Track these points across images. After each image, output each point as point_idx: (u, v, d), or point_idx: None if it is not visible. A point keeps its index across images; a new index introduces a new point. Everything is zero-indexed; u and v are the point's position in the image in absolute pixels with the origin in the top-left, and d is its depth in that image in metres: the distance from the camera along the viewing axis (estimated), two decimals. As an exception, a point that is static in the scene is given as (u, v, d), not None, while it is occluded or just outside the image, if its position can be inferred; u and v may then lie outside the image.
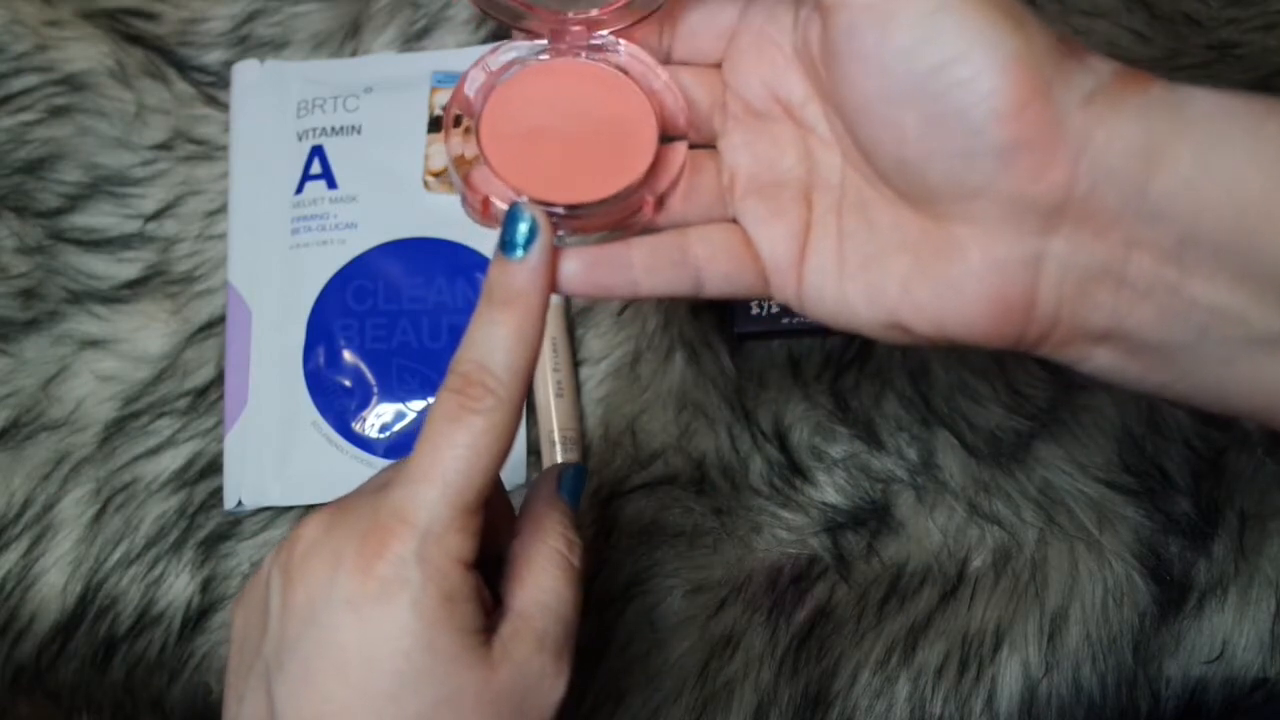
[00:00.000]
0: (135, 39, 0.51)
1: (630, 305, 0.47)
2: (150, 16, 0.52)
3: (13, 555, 0.45)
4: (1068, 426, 0.45)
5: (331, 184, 0.48)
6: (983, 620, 0.44)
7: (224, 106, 0.50)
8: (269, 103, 0.50)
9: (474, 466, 0.27)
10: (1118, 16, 0.49)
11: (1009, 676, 0.43)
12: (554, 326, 0.47)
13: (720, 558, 0.45)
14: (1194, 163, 0.24)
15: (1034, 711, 0.43)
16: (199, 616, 0.45)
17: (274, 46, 0.51)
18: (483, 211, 0.30)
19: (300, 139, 0.49)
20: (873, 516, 0.45)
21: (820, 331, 0.47)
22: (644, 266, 0.30)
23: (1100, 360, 0.27)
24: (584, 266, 0.30)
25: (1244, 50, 0.49)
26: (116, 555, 0.45)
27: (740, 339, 0.47)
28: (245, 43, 0.51)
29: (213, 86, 0.51)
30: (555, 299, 0.47)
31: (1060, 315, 0.26)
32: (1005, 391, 0.46)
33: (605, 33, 0.32)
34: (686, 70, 0.32)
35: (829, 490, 0.45)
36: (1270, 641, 0.43)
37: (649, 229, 0.31)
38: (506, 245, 0.28)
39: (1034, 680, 0.43)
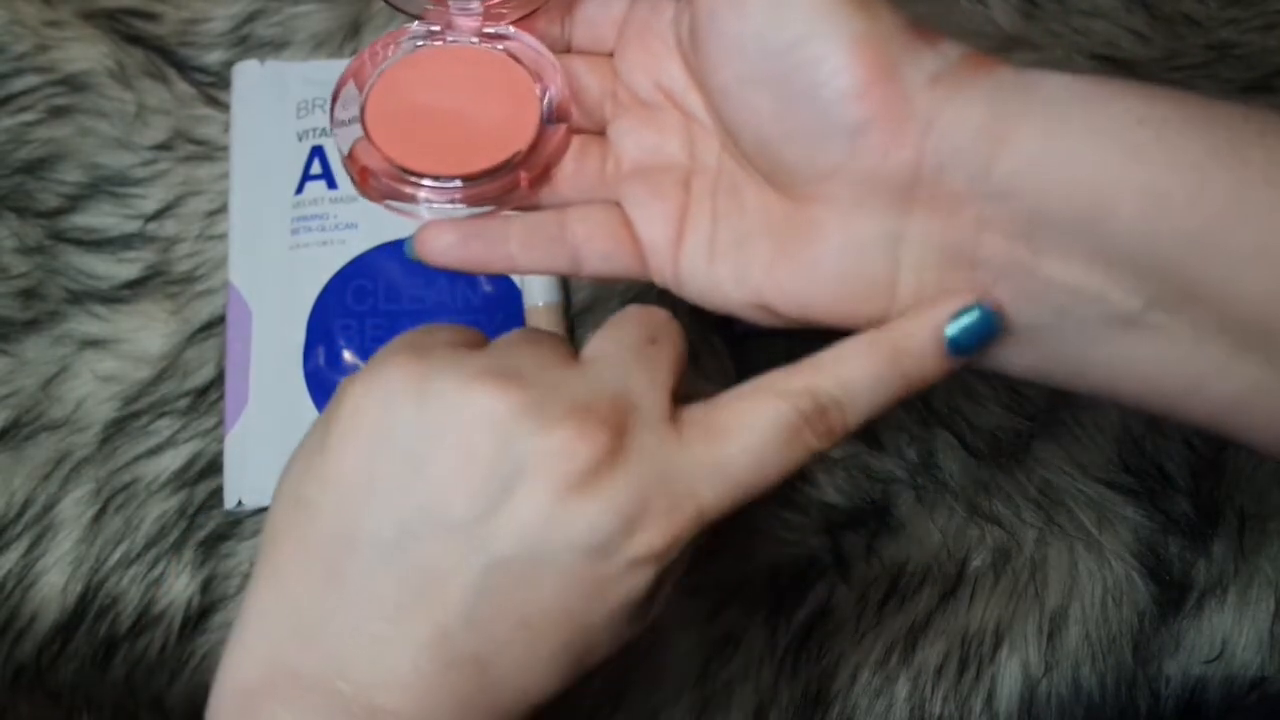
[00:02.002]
0: (135, 39, 0.51)
1: (630, 305, 0.47)
2: (150, 17, 0.52)
3: (13, 555, 0.45)
4: (1068, 426, 0.45)
5: (332, 184, 0.48)
6: (982, 620, 0.44)
7: (224, 107, 0.50)
8: (269, 103, 0.50)
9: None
10: (1118, 16, 0.49)
11: (1009, 676, 0.43)
12: (553, 327, 0.47)
13: (720, 558, 0.45)
14: (1038, 142, 0.24)
15: (1034, 711, 0.43)
16: (199, 616, 0.45)
17: (274, 47, 0.51)
18: (361, 181, 0.31)
19: (300, 139, 0.49)
20: (873, 516, 0.45)
21: (821, 332, 0.46)
22: (521, 242, 0.31)
23: None
24: (460, 239, 0.30)
25: (1244, 50, 0.49)
26: (117, 555, 0.45)
27: (740, 339, 0.47)
28: (245, 43, 0.51)
29: (213, 87, 0.51)
30: (556, 299, 0.46)
31: (922, 298, 0.27)
32: (1005, 391, 0.46)
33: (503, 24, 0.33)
34: (581, 59, 0.33)
35: (829, 490, 0.45)
36: (1270, 641, 0.43)
37: (527, 205, 0.32)
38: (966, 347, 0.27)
39: (1034, 680, 0.43)
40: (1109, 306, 0.25)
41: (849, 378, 0.27)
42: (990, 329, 0.26)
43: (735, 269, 0.29)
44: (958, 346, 0.26)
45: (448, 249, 0.31)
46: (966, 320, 0.26)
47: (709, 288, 0.30)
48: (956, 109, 0.25)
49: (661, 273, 0.31)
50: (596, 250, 0.31)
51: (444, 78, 0.33)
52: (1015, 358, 0.27)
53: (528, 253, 0.31)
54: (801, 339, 0.47)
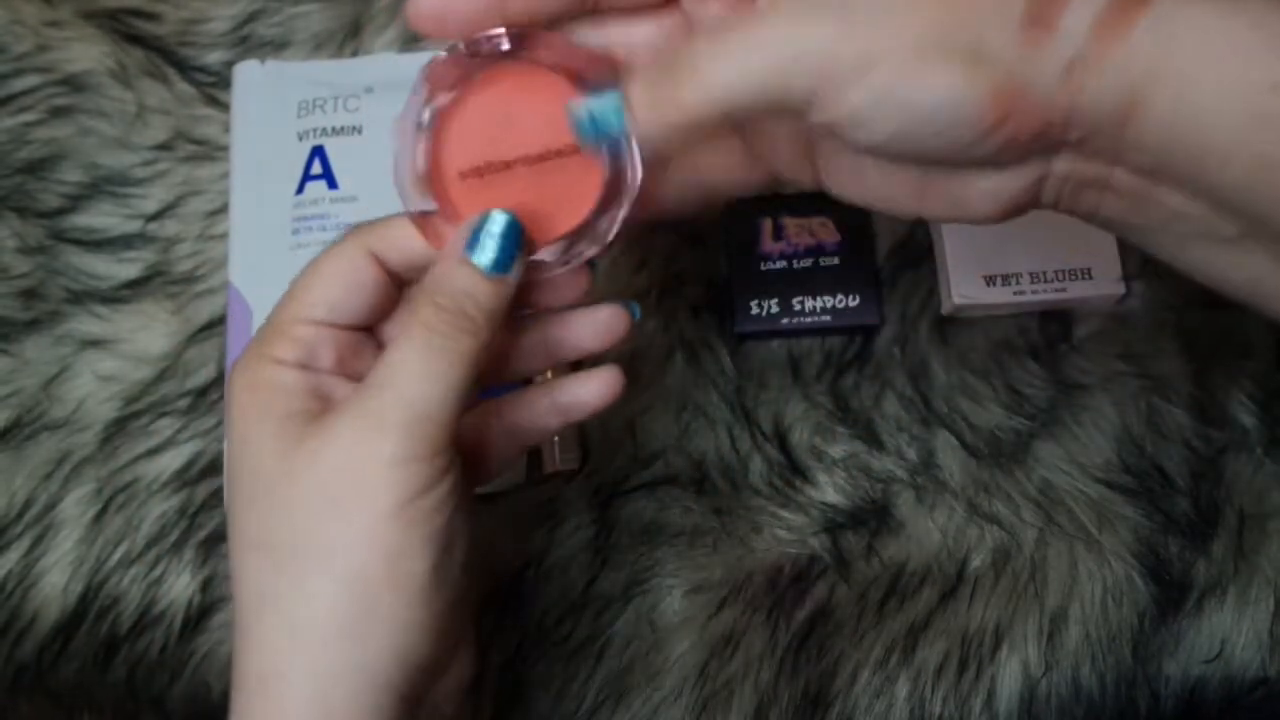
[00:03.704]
0: (136, 39, 0.51)
1: (630, 305, 0.48)
2: (151, 17, 0.52)
3: (14, 555, 0.46)
4: (1067, 426, 0.45)
5: (332, 184, 0.48)
6: (982, 620, 0.44)
7: (225, 107, 0.50)
8: (270, 103, 0.50)
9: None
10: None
11: (1008, 676, 0.43)
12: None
13: (720, 558, 0.45)
14: (1167, 111, 0.25)
15: (1033, 711, 0.43)
16: (200, 616, 0.45)
17: (275, 47, 0.51)
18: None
19: (301, 139, 0.49)
20: (873, 516, 0.45)
21: (820, 331, 0.47)
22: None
23: (1086, 220, 0.30)
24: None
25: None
26: (117, 555, 0.45)
27: (740, 339, 0.47)
28: (246, 43, 0.51)
29: (213, 87, 0.51)
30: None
31: (1056, 204, 0.29)
32: (1005, 391, 0.46)
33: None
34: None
35: (829, 490, 0.45)
36: (1269, 641, 0.43)
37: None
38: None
39: (1033, 679, 0.43)
40: (1208, 228, 0.27)
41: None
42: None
43: (882, 186, 0.30)
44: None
45: None
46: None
47: (859, 195, 0.31)
48: (1092, 94, 0.25)
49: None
50: (734, 182, 0.33)
51: (504, 126, 0.31)
52: (1128, 237, 0.29)
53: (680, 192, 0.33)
54: (798, 341, 0.47)
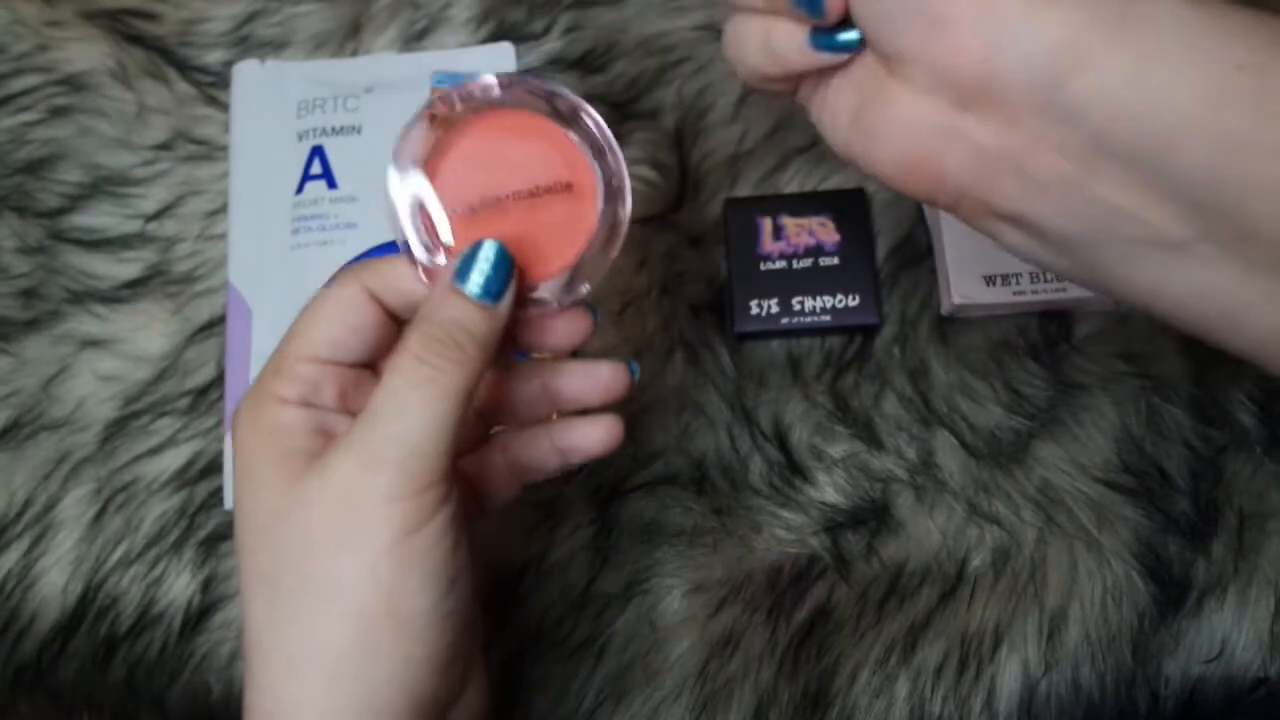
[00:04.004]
0: (136, 39, 0.51)
1: (630, 305, 0.48)
2: (151, 17, 0.52)
3: (13, 555, 0.45)
4: (1067, 426, 0.45)
5: (332, 184, 0.48)
6: (982, 620, 0.44)
7: (224, 107, 0.50)
8: (269, 103, 0.50)
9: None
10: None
11: (1008, 676, 0.43)
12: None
13: (720, 558, 0.45)
14: (1122, 73, 0.24)
15: (1033, 711, 0.43)
16: (199, 616, 0.45)
17: (274, 46, 0.51)
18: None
19: (300, 139, 0.49)
20: (872, 516, 0.45)
21: (820, 331, 0.47)
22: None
23: (1010, 238, 0.28)
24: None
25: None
26: (117, 555, 0.45)
27: (740, 339, 0.47)
28: (246, 43, 0.51)
29: (213, 87, 0.51)
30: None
31: (967, 189, 0.28)
32: (1005, 391, 0.46)
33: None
34: None
35: (829, 490, 0.45)
36: (1269, 641, 0.43)
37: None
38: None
39: (1033, 679, 0.43)
40: (1154, 231, 0.25)
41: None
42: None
43: (836, 109, 0.30)
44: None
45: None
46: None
47: (818, 120, 0.31)
48: (1038, 21, 0.24)
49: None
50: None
51: (502, 170, 0.32)
52: (1059, 261, 0.28)
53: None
54: (798, 341, 0.47)
